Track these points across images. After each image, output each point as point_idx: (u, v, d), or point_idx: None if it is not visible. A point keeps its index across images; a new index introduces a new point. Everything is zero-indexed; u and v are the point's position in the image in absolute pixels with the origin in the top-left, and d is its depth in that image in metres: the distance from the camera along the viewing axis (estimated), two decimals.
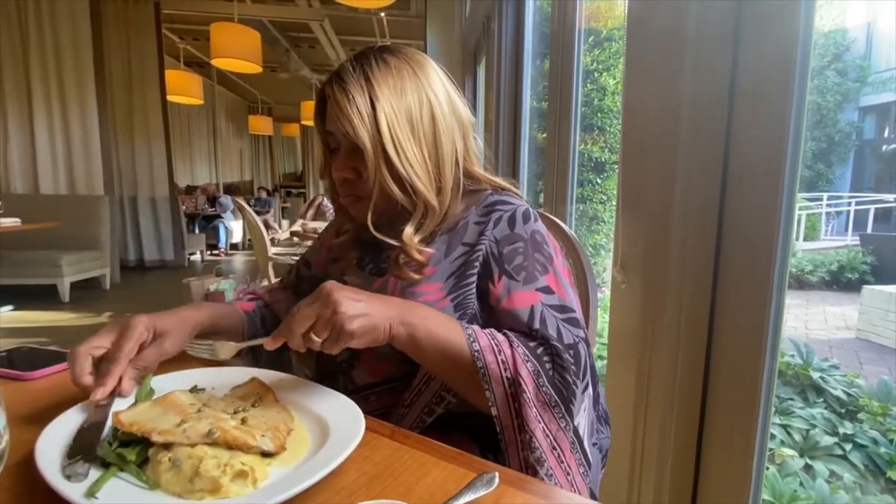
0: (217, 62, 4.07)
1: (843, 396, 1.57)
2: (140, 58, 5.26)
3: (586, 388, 0.57)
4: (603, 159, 2.15)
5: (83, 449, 0.42)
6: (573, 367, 0.55)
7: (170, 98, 5.50)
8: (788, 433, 1.46)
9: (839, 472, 1.33)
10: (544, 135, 1.76)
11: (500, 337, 0.57)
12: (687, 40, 0.78)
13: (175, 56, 6.89)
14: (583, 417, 0.57)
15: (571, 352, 0.56)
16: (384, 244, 0.66)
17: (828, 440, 1.41)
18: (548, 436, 0.54)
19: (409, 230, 0.65)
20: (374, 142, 0.61)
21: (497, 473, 0.42)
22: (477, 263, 0.63)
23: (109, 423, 0.48)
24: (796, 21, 0.67)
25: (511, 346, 0.56)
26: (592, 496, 0.63)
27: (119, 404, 0.51)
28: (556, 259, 0.65)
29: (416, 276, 0.64)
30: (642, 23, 0.91)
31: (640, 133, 0.93)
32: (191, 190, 8.07)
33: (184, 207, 6.35)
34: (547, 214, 0.86)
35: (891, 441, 1.39)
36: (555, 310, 0.60)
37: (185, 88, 5.60)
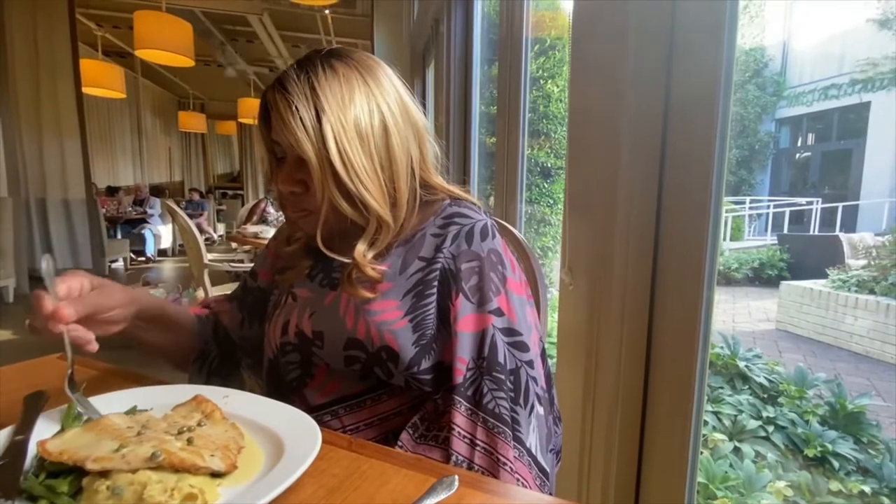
0: (142, 53, 3.76)
1: (766, 383, 1.73)
2: (50, 45, 4.74)
3: (531, 409, 0.59)
4: (549, 164, 2.23)
5: (2, 486, 0.38)
6: (512, 393, 0.58)
7: (86, 90, 5.01)
8: (719, 419, 1.60)
9: (763, 453, 1.47)
10: (492, 139, 1.79)
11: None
12: (627, 54, 0.82)
13: (92, 45, 6.30)
14: (533, 436, 0.59)
15: (512, 377, 0.58)
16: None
17: (753, 424, 1.55)
18: (514, 472, 0.56)
19: (360, 247, 0.62)
20: (319, 156, 0.57)
21: (457, 476, 0.43)
22: (435, 283, 0.61)
23: (30, 456, 0.43)
24: (720, 40, 0.72)
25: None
26: None
27: (42, 433, 0.46)
28: (510, 278, 0.62)
29: (370, 295, 0.61)
30: (586, 36, 0.96)
31: (584, 140, 0.97)
32: (113, 191, 7.45)
33: (104, 210, 5.84)
34: (499, 220, 0.87)
35: (807, 422, 1.55)
36: (503, 333, 0.59)
37: (104, 80, 5.11)
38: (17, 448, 0.43)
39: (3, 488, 0.38)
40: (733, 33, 0.74)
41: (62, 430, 0.47)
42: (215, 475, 0.42)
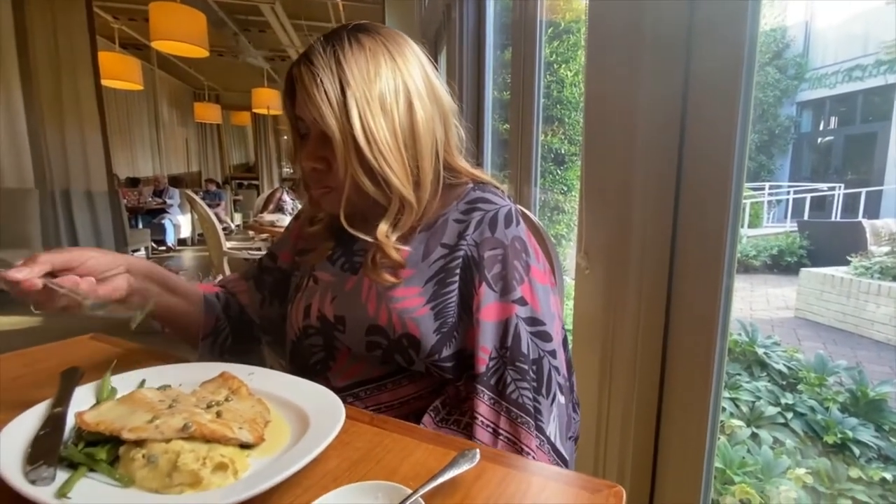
0: (158, 45, 3.81)
1: (785, 370, 1.71)
2: (69, 38, 4.79)
3: (553, 399, 0.59)
4: (563, 151, 2.20)
5: (44, 454, 0.40)
6: (535, 383, 0.58)
7: (105, 83, 5.09)
8: (737, 405, 1.58)
9: (781, 439, 1.46)
10: (506, 125, 1.78)
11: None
12: (645, 38, 0.81)
13: (109, 37, 6.37)
14: (554, 425, 0.59)
15: (535, 367, 0.58)
16: (358, 237, 0.63)
17: (771, 410, 1.53)
18: (535, 462, 0.56)
19: (383, 227, 0.61)
20: (343, 131, 0.56)
21: (478, 450, 0.43)
22: (458, 270, 0.60)
23: (68, 427, 0.45)
24: (743, 21, 0.70)
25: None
26: None
27: (79, 405, 0.48)
28: (534, 266, 0.61)
29: (393, 280, 0.61)
30: (603, 21, 0.94)
31: (601, 125, 0.96)
32: (133, 182, 7.59)
33: (125, 201, 5.96)
34: (520, 207, 0.87)
35: (827, 409, 1.53)
36: (526, 322, 0.59)
37: (121, 72, 5.20)
38: (57, 419, 0.45)
39: (45, 455, 0.39)
40: (756, 14, 0.72)
41: (97, 403, 0.49)
42: (244, 447, 0.43)
